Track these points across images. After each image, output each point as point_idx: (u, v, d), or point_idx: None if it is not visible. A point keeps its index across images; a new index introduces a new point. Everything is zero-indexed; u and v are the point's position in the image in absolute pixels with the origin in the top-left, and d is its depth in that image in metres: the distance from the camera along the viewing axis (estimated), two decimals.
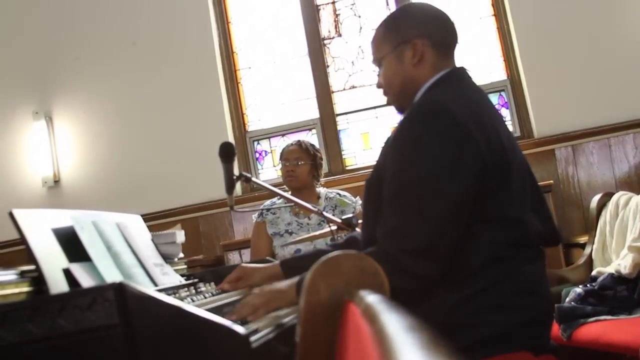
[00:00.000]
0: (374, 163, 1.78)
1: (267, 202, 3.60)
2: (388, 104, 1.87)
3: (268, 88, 4.69)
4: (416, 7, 1.88)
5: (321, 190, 3.53)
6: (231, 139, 4.49)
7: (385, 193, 1.59)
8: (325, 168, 4.06)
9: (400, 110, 1.81)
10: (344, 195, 3.49)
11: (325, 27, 4.69)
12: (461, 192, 1.52)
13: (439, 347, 0.49)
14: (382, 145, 1.76)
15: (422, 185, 1.53)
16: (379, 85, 1.83)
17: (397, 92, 1.78)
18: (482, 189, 1.54)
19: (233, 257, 4.13)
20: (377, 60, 1.80)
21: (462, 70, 1.76)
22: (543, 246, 1.70)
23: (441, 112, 1.56)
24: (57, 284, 1.54)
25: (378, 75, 1.82)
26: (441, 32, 1.75)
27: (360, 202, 3.38)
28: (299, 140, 3.61)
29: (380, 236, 1.57)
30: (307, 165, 3.44)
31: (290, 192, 3.29)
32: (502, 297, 1.55)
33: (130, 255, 1.90)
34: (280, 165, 3.59)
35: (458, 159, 1.52)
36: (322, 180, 3.60)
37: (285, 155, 3.51)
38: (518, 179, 1.62)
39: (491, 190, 1.56)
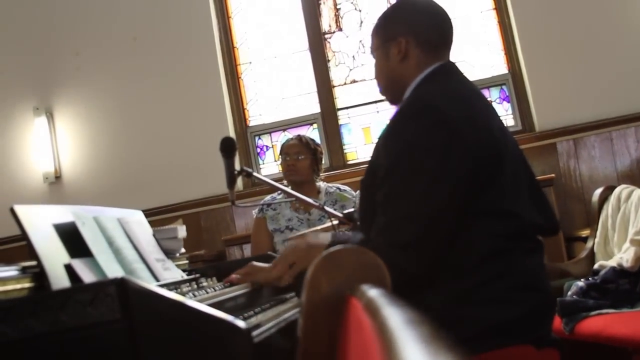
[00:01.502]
0: (369, 160, 1.78)
1: (267, 197, 3.59)
2: (381, 94, 1.90)
3: (269, 83, 4.69)
4: (410, 3, 1.88)
5: (321, 184, 3.52)
6: (232, 134, 4.48)
7: (378, 193, 1.60)
8: (326, 163, 4.06)
9: (392, 102, 1.85)
10: (344, 190, 3.49)
11: (326, 21, 4.68)
12: (450, 190, 1.53)
13: (440, 340, 0.49)
14: (376, 141, 1.77)
15: (411, 182, 1.54)
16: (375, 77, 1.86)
17: (386, 86, 1.82)
18: (474, 184, 1.55)
19: (235, 252, 4.13)
20: (371, 53, 1.85)
21: (452, 65, 1.76)
22: (542, 236, 1.70)
23: (429, 110, 1.57)
24: (59, 280, 1.54)
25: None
26: (429, 31, 1.74)
27: None
28: (299, 135, 3.61)
29: (372, 232, 1.58)
30: (307, 160, 3.44)
31: (290, 187, 3.29)
32: (503, 290, 1.55)
33: (132, 250, 1.90)
34: (280, 160, 3.59)
35: (446, 156, 1.53)
36: (323, 174, 3.60)
37: (285, 150, 3.50)
38: (511, 171, 1.62)
39: (484, 185, 1.56)
